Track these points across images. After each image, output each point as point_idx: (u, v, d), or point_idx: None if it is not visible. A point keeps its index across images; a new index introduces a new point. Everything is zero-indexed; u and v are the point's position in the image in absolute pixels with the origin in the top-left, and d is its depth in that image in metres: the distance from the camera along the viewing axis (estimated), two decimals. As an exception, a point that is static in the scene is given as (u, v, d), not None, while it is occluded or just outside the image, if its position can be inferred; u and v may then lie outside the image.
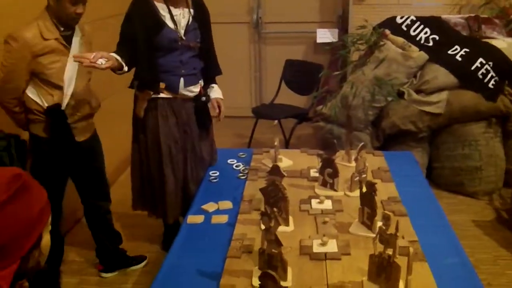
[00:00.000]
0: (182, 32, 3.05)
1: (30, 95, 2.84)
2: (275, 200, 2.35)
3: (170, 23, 3.03)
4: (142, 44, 3.00)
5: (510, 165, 4.36)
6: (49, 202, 1.04)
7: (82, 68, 2.86)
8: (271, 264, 2.11)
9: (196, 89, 3.22)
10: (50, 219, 1.04)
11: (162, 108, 3.16)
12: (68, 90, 2.88)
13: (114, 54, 2.87)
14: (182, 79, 3.12)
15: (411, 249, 1.69)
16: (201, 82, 3.26)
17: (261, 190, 2.43)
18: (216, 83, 3.39)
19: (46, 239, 1.05)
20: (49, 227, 1.05)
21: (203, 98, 3.25)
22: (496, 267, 3.40)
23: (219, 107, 3.34)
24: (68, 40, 2.86)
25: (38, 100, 2.85)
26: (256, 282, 2.08)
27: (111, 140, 3.82)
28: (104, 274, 3.41)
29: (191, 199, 3.26)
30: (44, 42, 2.75)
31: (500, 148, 4.41)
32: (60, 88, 2.86)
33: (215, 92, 3.36)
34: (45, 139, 2.91)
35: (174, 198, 3.32)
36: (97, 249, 3.41)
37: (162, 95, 3.14)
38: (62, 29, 2.83)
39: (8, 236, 0.94)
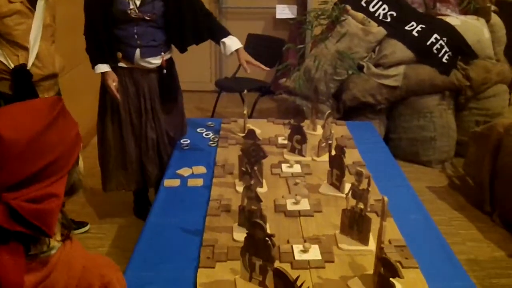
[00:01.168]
0: (137, 3, 3.07)
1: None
2: (256, 160, 2.48)
3: None
4: (99, 16, 3.09)
5: (461, 136, 4.61)
6: (79, 134, 1.17)
7: (45, 31, 3.07)
8: (251, 220, 2.25)
9: (156, 61, 3.23)
10: (81, 147, 1.18)
11: (121, 78, 3.24)
12: (33, 50, 3.02)
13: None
14: (138, 50, 3.16)
15: (385, 198, 1.85)
16: (164, 54, 3.26)
17: (242, 150, 2.55)
18: (230, 34, 3.28)
19: (81, 161, 1.19)
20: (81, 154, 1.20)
21: (165, 71, 3.28)
22: (450, 227, 3.64)
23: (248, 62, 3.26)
24: (33, 4, 2.99)
25: (4, 60, 2.97)
26: (238, 236, 2.23)
27: (77, 110, 3.84)
28: None
29: (150, 170, 3.43)
30: (10, 4, 2.89)
31: (452, 120, 4.67)
32: (25, 48, 3.00)
33: (231, 45, 3.25)
34: (9, 96, 3.01)
35: (136, 166, 3.41)
36: None
37: (120, 64, 3.22)
38: None
39: (58, 152, 1.08)
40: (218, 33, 3.28)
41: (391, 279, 1.48)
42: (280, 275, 1.44)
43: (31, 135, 1.04)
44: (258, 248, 1.84)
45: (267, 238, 1.80)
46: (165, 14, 3.17)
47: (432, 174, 4.50)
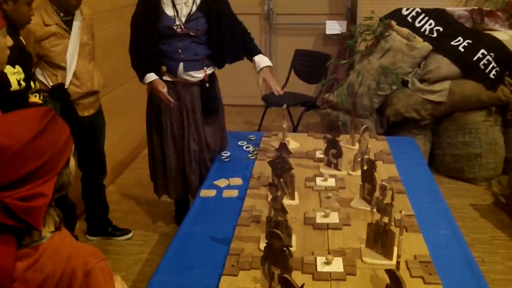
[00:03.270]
0: (183, 19, 3.23)
1: (38, 76, 3.11)
2: (281, 172, 2.54)
3: (169, 11, 3.24)
4: (146, 31, 3.26)
5: (509, 153, 4.51)
6: (71, 135, 1.33)
7: (83, 49, 3.21)
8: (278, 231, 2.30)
9: (198, 74, 3.36)
10: (73, 148, 1.35)
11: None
12: (70, 69, 3.16)
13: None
14: (181, 64, 3.30)
15: (402, 212, 1.88)
16: (206, 69, 3.38)
17: (269, 162, 2.62)
18: (260, 53, 3.47)
19: (72, 162, 1.35)
20: (72, 156, 1.35)
21: (207, 85, 3.40)
22: (490, 246, 3.57)
23: (264, 80, 3.42)
24: (68, 24, 3.15)
25: (44, 81, 3.12)
26: (263, 246, 2.29)
27: (126, 124, 3.99)
28: (88, 236, 3.75)
29: (193, 181, 3.55)
30: (45, 28, 3.04)
31: (499, 136, 4.57)
32: (62, 68, 3.15)
33: (260, 62, 3.42)
34: None
35: (176, 175, 3.55)
36: (86, 217, 3.73)
37: (165, 78, 3.35)
38: (62, 14, 3.12)
39: (48, 156, 1.23)
40: (251, 52, 3.46)
41: (397, 291, 1.50)
42: (286, 283, 1.49)
43: (22, 142, 1.19)
44: (277, 258, 1.90)
45: (284, 248, 1.85)
46: (207, 31, 3.32)
47: (476, 191, 4.42)
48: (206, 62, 3.39)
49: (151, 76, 3.31)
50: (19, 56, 2.55)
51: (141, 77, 3.34)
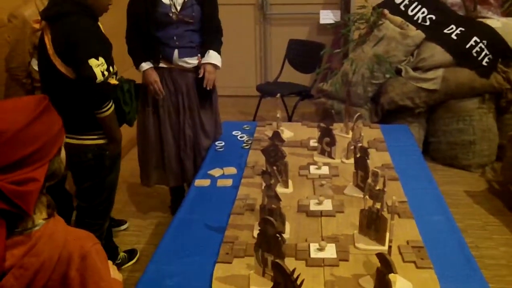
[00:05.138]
0: (178, 7, 3.29)
1: (34, 66, 3.11)
2: (275, 160, 2.56)
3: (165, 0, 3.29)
4: (142, 18, 3.29)
5: (503, 140, 4.53)
6: (63, 127, 1.37)
7: None
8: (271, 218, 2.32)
9: (193, 61, 3.41)
10: (64, 138, 1.39)
11: (161, 77, 3.42)
12: None
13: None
14: (176, 51, 3.35)
15: (394, 198, 1.90)
16: (200, 55, 3.43)
17: (262, 150, 2.64)
18: (215, 51, 3.46)
19: (63, 152, 1.39)
20: (63, 146, 1.39)
21: (199, 70, 3.44)
22: (484, 232, 3.60)
23: (204, 72, 3.42)
24: None
25: None
26: (257, 233, 2.31)
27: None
28: None
29: (188, 166, 3.58)
30: (38, 19, 2.98)
31: (493, 123, 4.59)
32: None
33: (207, 57, 3.43)
34: None
35: (174, 163, 3.58)
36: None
37: (160, 64, 3.40)
38: None
39: (42, 142, 1.27)
40: (213, 46, 3.47)
41: (387, 275, 1.52)
42: (278, 268, 1.51)
43: (18, 127, 1.22)
44: (270, 244, 1.92)
45: (277, 235, 1.87)
46: (202, 18, 3.38)
47: (471, 178, 4.44)
48: (200, 49, 3.44)
49: (146, 66, 3.36)
50: (101, 47, 2.62)
51: (137, 64, 3.39)
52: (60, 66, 2.56)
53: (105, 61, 2.60)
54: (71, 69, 2.56)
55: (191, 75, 3.46)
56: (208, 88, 3.44)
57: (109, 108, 2.67)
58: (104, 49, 2.64)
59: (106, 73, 2.59)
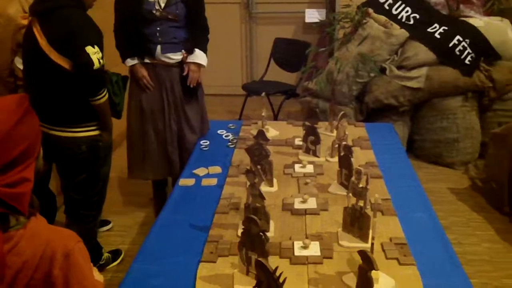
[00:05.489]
0: (162, 4, 3.33)
1: (18, 64, 3.11)
2: (259, 158, 2.57)
3: None
4: (129, 14, 3.35)
5: (486, 138, 4.58)
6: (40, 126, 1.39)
7: None
8: (256, 217, 2.33)
9: (176, 56, 3.46)
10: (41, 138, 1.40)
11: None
12: None
13: None
14: (159, 46, 3.40)
15: (376, 195, 1.91)
16: (185, 51, 3.48)
17: (247, 149, 2.65)
18: (201, 50, 3.52)
19: (41, 152, 1.40)
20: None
21: (184, 66, 3.50)
22: (467, 228, 3.64)
23: (188, 71, 3.49)
24: None
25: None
26: (241, 232, 2.32)
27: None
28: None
29: (175, 160, 3.62)
30: (26, 15, 2.99)
31: (476, 121, 4.64)
32: None
33: (193, 57, 3.49)
34: None
35: (155, 156, 3.61)
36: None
37: (145, 60, 3.45)
38: None
39: (28, 141, 1.29)
40: (198, 44, 3.53)
41: (369, 272, 1.54)
42: (261, 266, 1.52)
43: (5, 129, 1.24)
44: (254, 243, 1.93)
45: (261, 233, 1.88)
46: (187, 15, 3.42)
47: (454, 176, 4.49)
48: (185, 45, 3.48)
49: (132, 61, 3.43)
50: (96, 36, 2.70)
51: (124, 59, 3.46)
52: (56, 58, 2.61)
53: (100, 50, 2.68)
54: (67, 59, 2.62)
55: (175, 70, 3.50)
56: (191, 86, 3.49)
57: (104, 95, 2.76)
58: (99, 39, 2.72)
59: (102, 61, 2.67)
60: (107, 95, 2.78)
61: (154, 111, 3.53)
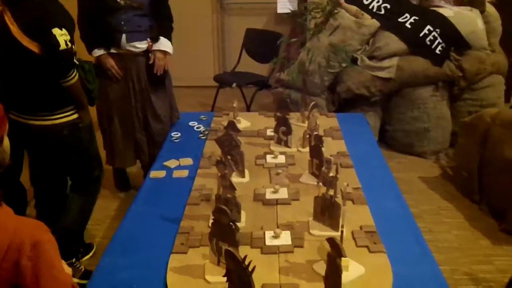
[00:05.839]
0: None
1: None
2: (229, 149, 2.56)
3: None
4: (93, 4, 3.37)
5: (456, 127, 4.63)
6: (5, 115, 1.37)
7: None
8: (227, 207, 2.32)
9: (142, 45, 3.50)
10: (7, 128, 1.38)
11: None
12: None
13: None
14: (124, 36, 3.43)
15: (345, 183, 1.92)
16: (150, 40, 3.52)
17: (216, 140, 2.64)
18: (166, 38, 3.57)
19: (6, 141, 1.38)
20: (6, 135, 1.39)
21: (150, 54, 3.54)
22: (438, 216, 3.69)
23: (154, 59, 3.54)
24: None
25: None
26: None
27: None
28: None
29: (144, 149, 3.72)
30: None
31: (447, 110, 4.70)
32: None
33: (158, 45, 3.55)
34: None
35: (121, 144, 3.69)
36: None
37: (111, 50, 3.48)
38: None
39: None
40: (163, 32, 3.58)
41: (338, 259, 1.54)
42: (230, 255, 1.51)
43: None
44: (224, 234, 1.92)
45: (231, 223, 1.87)
46: (151, 3, 3.45)
47: (425, 165, 4.54)
48: (150, 33, 3.51)
49: (99, 52, 3.46)
50: (65, 20, 2.75)
51: (90, 50, 3.47)
52: (27, 43, 2.64)
53: (69, 33, 2.71)
54: (37, 43, 2.66)
55: (141, 59, 3.54)
56: (158, 74, 3.54)
57: (74, 76, 2.80)
58: (68, 23, 2.76)
59: (69, 44, 2.70)
60: (77, 76, 2.82)
61: (120, 100, 3.57)
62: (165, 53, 3.54)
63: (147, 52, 3.52)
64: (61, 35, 2.66)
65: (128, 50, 3.48)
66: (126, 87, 3.56)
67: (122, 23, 3.40)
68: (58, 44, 2.65)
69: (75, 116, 2.91)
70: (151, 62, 3.50)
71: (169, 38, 3.57)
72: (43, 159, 3.05)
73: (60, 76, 2.76)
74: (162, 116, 3.68)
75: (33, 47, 2.65)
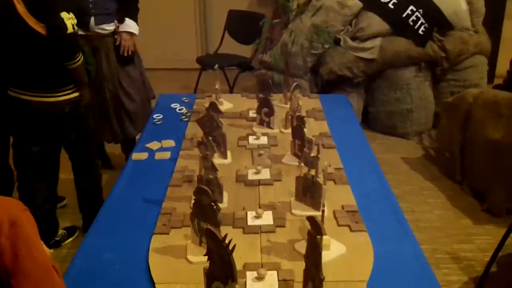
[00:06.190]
0: None
1: None
2: (210, 130, 2.55)
3: None
4: None
5: (438, 108, 4.66)
6: None
7: None
8: (209, 188, 2.31)
9: (109, 27, 3.62)
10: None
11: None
12: None
13: None
14: (92, 18, 3.54)
15: (325, 163, 1.92)
16: (117, 22, 3.62)
17: (197, 120, 2.62)
18: (132, 19, 3.68)
19: None
20: None
21: (116, 36, 3.67)
22: (420, 196, 3.72)
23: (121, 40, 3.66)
24: None
25: None
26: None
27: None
28: None
29: (115, 128, 3.86)
30: None
31: (429, 91, 4.72)
32: None
33: (123, 26, 3.66)
34: None
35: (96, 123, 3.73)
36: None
37: (80, 32, 3.44)
38: None
39: None
40: (129, 14, 3.70)
41: (318, 236, 1.55)
42: (210, 235, 1.51)
43: None
44: (206, 214, 1.91)
45: (212, 203, 1.86)
46: None
47: (408, 146, 4.57)
48: (117, 15, 3.62)
49: None
50: (71, 3, 2.83)
51: None
52: (33, 24, 2.67)
53: (75, 17, 2.81)
54: (43, 25, 2.70)
55: (110, 39, 3.67)
56: (125, 55, 3.65)
57: (80, 59, 2.88)
58: (75, 8, 2.85)
59: (76, 27, 2.81)
60: (82, 59, 2.90)
61: (91, 81, 3.56)
62: (131, 34, 3.65)
63: (114, 33, 3.63)
64: (69, 19, 2.73)
65: (96, 32, 3.58)
66: (97, 67, 3.60)
67: (91, 6, 3.50)
68: (66, 28, 2.71)
69: (77, 94, 3.00)
70: (117, 43, 3.62)
71: (134, 19, 3.68)
72: (42, 136, 3.06)
73: (67, 59, 2.82)
74: (134, 95, 3.81)
75: (39, 28, 2.69)
